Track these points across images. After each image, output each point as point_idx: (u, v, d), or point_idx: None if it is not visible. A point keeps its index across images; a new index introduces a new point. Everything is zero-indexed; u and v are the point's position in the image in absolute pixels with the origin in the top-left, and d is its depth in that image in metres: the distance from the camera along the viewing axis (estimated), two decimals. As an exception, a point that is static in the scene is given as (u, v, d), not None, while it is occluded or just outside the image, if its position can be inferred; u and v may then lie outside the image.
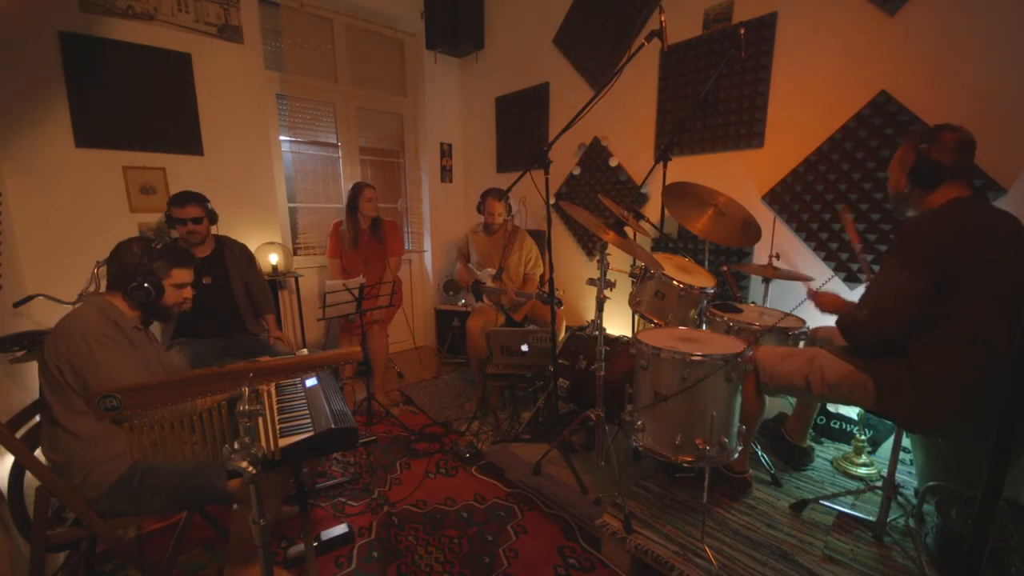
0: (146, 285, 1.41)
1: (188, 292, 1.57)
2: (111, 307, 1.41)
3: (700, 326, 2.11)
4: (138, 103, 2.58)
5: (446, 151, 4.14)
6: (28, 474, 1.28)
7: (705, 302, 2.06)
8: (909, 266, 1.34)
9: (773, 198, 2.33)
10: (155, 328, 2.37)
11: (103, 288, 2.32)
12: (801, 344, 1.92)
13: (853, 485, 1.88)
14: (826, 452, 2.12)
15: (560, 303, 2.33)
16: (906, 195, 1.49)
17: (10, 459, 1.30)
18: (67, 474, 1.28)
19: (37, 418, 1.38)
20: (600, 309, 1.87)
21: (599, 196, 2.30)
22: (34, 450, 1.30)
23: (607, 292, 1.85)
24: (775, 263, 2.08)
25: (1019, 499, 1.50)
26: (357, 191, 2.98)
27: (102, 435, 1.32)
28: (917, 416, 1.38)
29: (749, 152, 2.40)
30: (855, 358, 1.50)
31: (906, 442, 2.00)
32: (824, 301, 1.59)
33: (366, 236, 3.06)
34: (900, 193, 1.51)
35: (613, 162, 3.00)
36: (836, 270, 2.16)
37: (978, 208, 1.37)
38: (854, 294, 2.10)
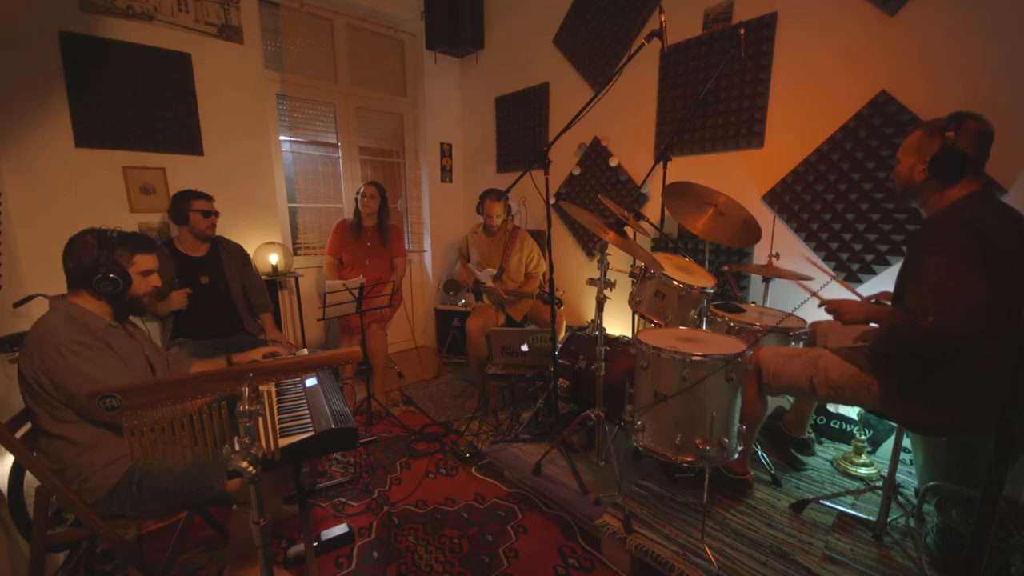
0: (112, 276, 1.34)
1: (156, 280, 1.49)
2: (77, 309, 1.35)
3: (700, 326, 2.11)
4: (138, 103, 2.58)
5: (446, 151, 4.14)
6: (28, 474, 1.28)
7: (705, 302, 2.06)
8: (963, 261, 1.23)
9: (773, 198, 2.33)
10: (154, 329, 2.39)
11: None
12: (801, 343, 1.92)
13: (853, 485, 1.88)
14: (826, 452, 2.12)
15: (560, 303, 2.33)
16: (919, 185, 1.39)
17: (10, 459, 1.30)
18: (64, 480, 1.27)
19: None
20: (600, 309, 1.87)
21: (599, 196, 2.30)
22: (34, 450, 1.30)
23: (607, 292, 1.85)
24: (775, 263, 2.08)
25: (1019, 499, 1.50)
26: (358, 189, 3.08)
27: (96, 440, 1.31)
28: (924, 418, 1.36)
29: (749, 152, 2.40)
30: (859, 359, 1.50)
31: (906, 442, 2.00)
32: (848, 309, 1.44)
33: (369, 232, 3.08)
34: (913, 182, 1.40)
35: (613, 162, 3.00)
36: (836, 270, 2.16)
37: (998, 204, 1.33)
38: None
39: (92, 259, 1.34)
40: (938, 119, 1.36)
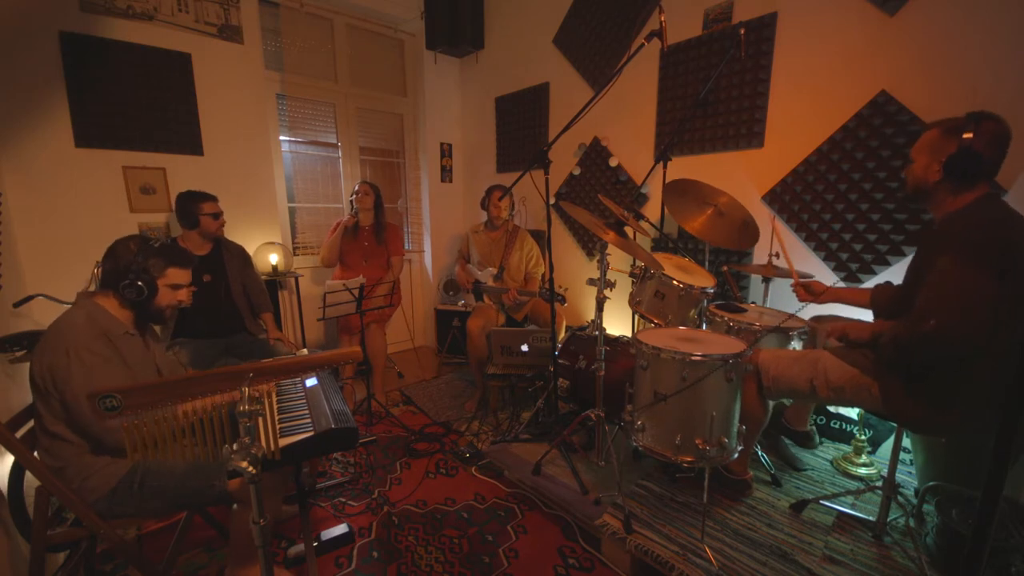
0: (139, 283, 1.35)
1: (183, 294, 1.50)
2: (101, 312, 1.36)
3: (700, 326, 2.11)
4: (138, 103, 2.58)
5: (446, 151, 4.14)
6: (28, 474, 1.28)
7: (705, 302, 2.06)
8: (977, 265, 1.19)
9: (773, 198, 2.33)
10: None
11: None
12: (798, 345, 1.91)
13: (853, 485, 1.88)
14: (826, 452, 2.12)
15: (563, 300, 2.33)
16: (932, 186, 1.34)
17: (10, 459, 1.30)
18: (65, 479, 1.27)
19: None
20: (600, 309, 1.87)
21: (599, 196, 2.30)
22: (34, 450, 1.30)
23: (607, 292, 1.85)
24: (775, 263, 2.08)
25: (1019, 499, 1.50)
26: (352, 192, 3.07)
27: (97, 441, 1.31)
28: (926, 418, 1.36)
29: (749, 152, 2.40)
30: (859, 360, 1.50)
31: (906, 442, 2.00)
32: (854, 329, 1.42)
33: (366, 232, 3.07)
34: (926, 183, 1.35)
35: (613, 162, 3.00)
36: (836, 270, 2.16)
37: (1009, 207, 1.30)
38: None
39: (126, 264, 1.36)
40: (956, 118, 1.30)
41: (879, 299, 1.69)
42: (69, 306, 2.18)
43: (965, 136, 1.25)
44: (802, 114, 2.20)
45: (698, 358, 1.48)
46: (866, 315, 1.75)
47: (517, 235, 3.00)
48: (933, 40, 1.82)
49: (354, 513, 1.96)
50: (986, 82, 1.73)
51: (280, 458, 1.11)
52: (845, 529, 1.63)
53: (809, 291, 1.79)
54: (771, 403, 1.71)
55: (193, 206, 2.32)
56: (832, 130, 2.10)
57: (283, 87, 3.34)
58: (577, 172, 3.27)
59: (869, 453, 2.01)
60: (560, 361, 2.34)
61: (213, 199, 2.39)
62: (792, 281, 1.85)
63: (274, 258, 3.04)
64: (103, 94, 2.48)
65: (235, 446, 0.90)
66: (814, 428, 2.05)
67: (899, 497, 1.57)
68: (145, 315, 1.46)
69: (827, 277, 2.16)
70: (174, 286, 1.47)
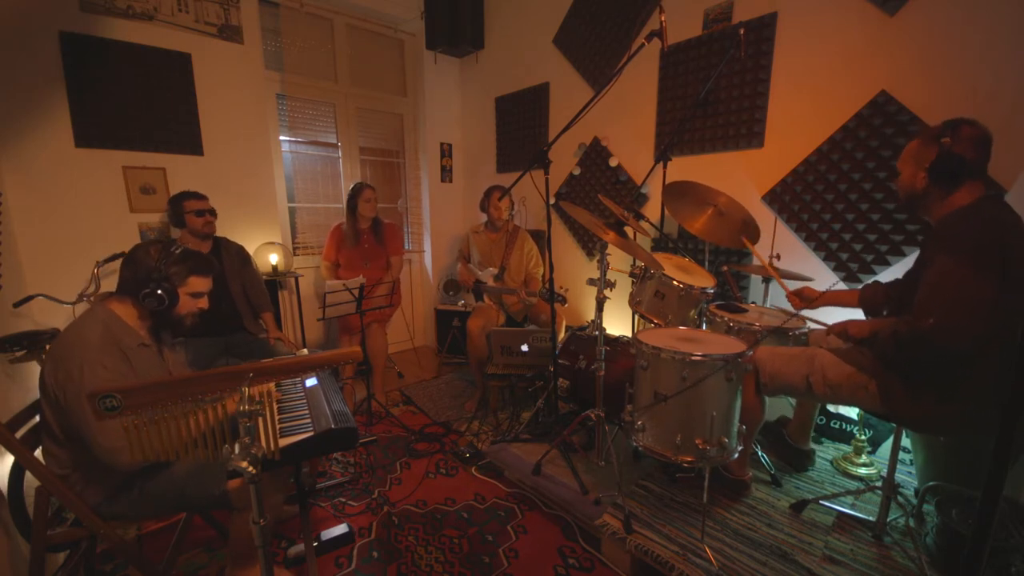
0: (159, 292, 1.32)
1: (204, 303, 1.48)
2: (115, 321, 1.33)
3: (700, 326, 2.11)
4: (138, 103, 2.58)
5: (446, 151, 4.14)
6: (28, 474, 1.28)
7: (705, 302, 2.06)
8: (975, 264, 1.22)
9: (773, 198, 2.33)
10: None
11: (102, 289, 2.34)
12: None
13: (853, 485, 1.88)
14: (826, 452, 2.12)
15: (564, 300, 2.33)
16: (921, 193, 1.40)
17: (10, 459, 1.30)
18: (68, 484, 1.27)
19: (37, 418, 1.38)
20: (600, 309, 1.87)
21: (599, 196, 2.30)
22: (34, 450, 1.30)
23: (607, 292, 1.85)
24: (775, 263, 2.08)
25: (1019, 499, 1.50)
26: (356, 191, 3.02)
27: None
28: (925, 417, 1.36)
29: (749, 152, 2.40)
30: (856, 358, 1.50)
31: (906, 442, 2.00)
32: (854, 326, 1.43)
33: (366, 235, 3.08)
34: (915, 191, 1.41)
35: (613, 162, 3.00)
36: (836, 270, 2.16)
37: (1009, 207, 1.32)
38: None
39: (147, 271, 1.33)
40: (934, 127, 1.38)
41: (867, 297, 1.72)
42: (70, 305, 2.20)
43: (944, 141, 1.32)
44: (802, 114, 2.20)
45: (698, 358, 1.48)
46: (860, 316, 1.76)
47: (517, 236, 3.00)
48: (933, 40, 1.82)
49: (354, 513, 1.96)
50: (986, 82, 1.73)
51: (280, 458, 1.11)
52: (845, 529, 1.63)
53: (802, 298, 1.83)
54: (768, 400, 1.72)
55: (178, 205, 2.36)
56: (832, 130, 2.10)
57: (283, 87, 3.34)
58: (577, 172, 3.27)
59: (869, 453, 2.01)
60: (560, 361, 2.34)
61: (198, 196, 2.40)
62: (785, 292, 1.88)
63: (274, 258, 3.04)
64: (103, 94, 2.48)
65: (235, 449, 0.90)
66: (814, 449, 2.05)
67: (899, 497, 1.57)
68: (164, 324, 1.44)
69: (827, 277, 2.17)
70: (195, 294, 1.44)
